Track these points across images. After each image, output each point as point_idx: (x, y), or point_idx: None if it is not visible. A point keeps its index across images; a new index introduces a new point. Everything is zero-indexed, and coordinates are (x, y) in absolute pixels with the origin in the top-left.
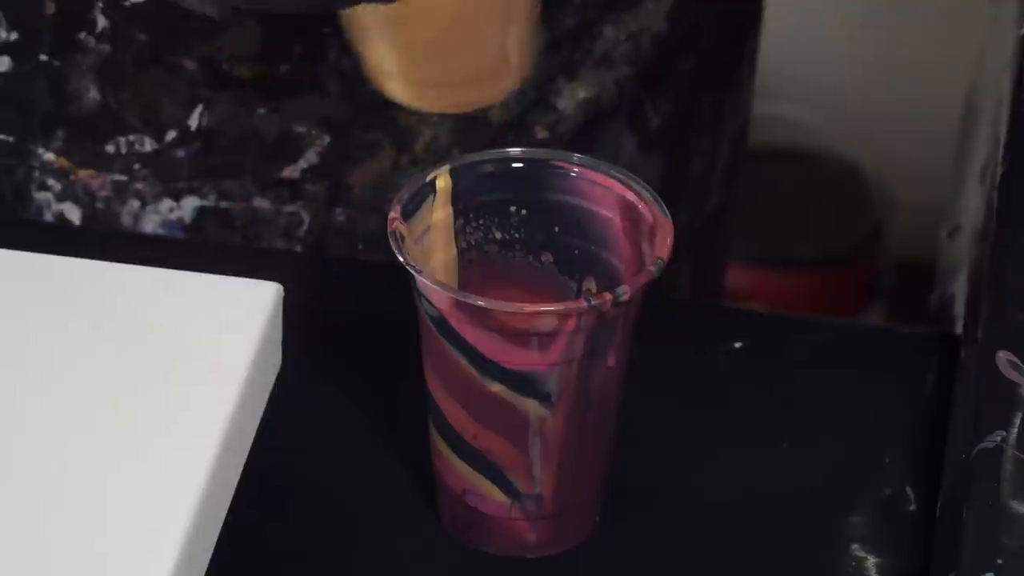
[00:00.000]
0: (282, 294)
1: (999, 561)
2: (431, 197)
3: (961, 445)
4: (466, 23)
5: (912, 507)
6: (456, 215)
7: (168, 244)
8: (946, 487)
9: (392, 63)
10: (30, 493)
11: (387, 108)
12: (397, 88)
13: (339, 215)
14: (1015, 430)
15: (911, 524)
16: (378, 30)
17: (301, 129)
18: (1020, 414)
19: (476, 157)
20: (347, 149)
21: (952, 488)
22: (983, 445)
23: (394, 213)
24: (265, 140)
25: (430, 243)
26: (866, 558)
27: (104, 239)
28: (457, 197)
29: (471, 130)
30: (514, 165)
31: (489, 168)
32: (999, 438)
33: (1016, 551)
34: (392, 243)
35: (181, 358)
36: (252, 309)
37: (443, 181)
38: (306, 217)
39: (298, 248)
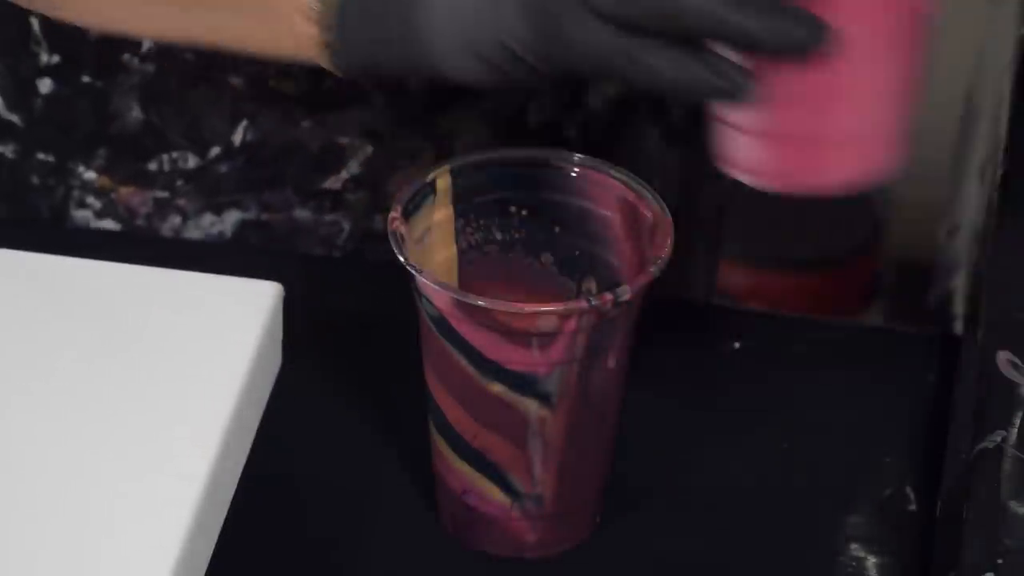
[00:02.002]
0: (282, 294)
1: (999, 561)
2: (431, 197)
3: (961, 445)
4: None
5: (912, 507)
6: (457, 215)
7: (169, 244)
8: (946, 487)
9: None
10: (31, 493)
11: (428, 114)
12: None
13: (378, 222)
14: (1015, 430)
15: (911, 524)
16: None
17: (344, 140)
18: (1020, 414)
19: (476, 157)
20: (389, 158)
21: (952, 488)
22: (983, 445)
23: (395, 213)
24: (308, 152)
25: (431, 243)
26: (866, 558)
27: (105, 239)
28: (458, 197)
29: (508, 135)
30: (514, 165)
31: (490, 167)
32: (999, 438)
33: (1016, 551)
34: (392, 243)
35: (181, 358)
36: (252, 309)
37: (443, 181)
38: (346, 225)
39: (336, 255)
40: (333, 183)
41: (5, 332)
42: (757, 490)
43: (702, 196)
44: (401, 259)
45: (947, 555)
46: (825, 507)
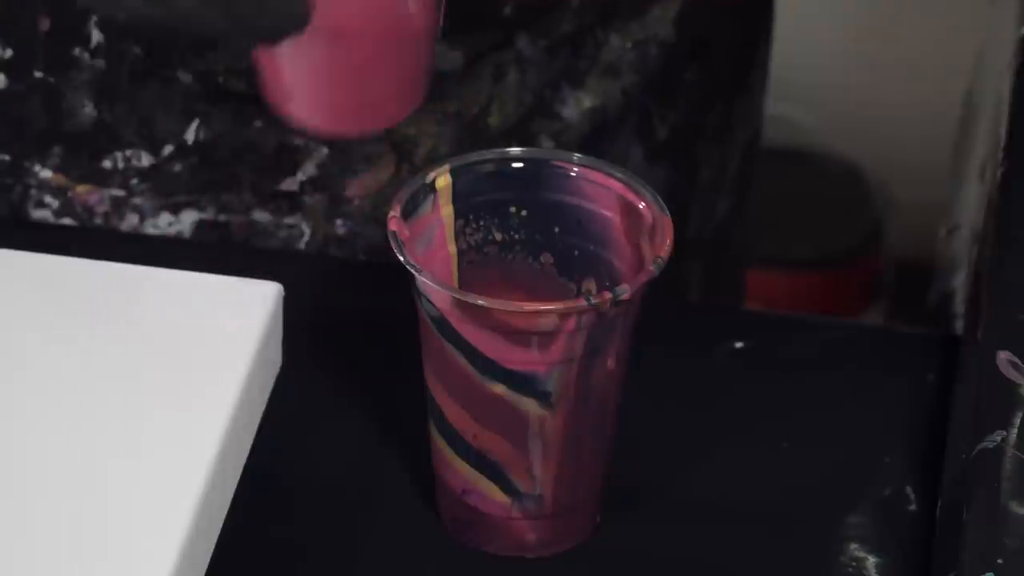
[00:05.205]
0: (282, 294)
1: (999, 561)
2: (431, 197)
3: (961, 445)
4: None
5: (912, 507)
6: (456, 215)
7: (168, 244)
8: (946, 487)
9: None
10: (30, 493)
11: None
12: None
13: (339, 227)
14: (1015, 430)
15: (911, 524)
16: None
17: (299, 142)
18: (1020, 414)
19: (476, 157)
20: (346, 160)
21: (952, 488)
22: (983, 445)
23: (394, 213)
24: (263, 153)
25: (430, 243)
26: (866, 558)
27: (104, 239)
28: (457, 197)
29: (471, 138)
30: (514, 165)
31: (489, 168)
32: (999, 438)
33: (1016, 551)
34: (392, 243)
35: (181, 358)
36: (252, 309)
37: (443, 181)
38: (306, 229)
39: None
40: (290, 185)
41: (4, 332)
42: (757, 490)
43: (690, 215)
44: (401, 259)
45: (947, 555)
46: (825, 507)
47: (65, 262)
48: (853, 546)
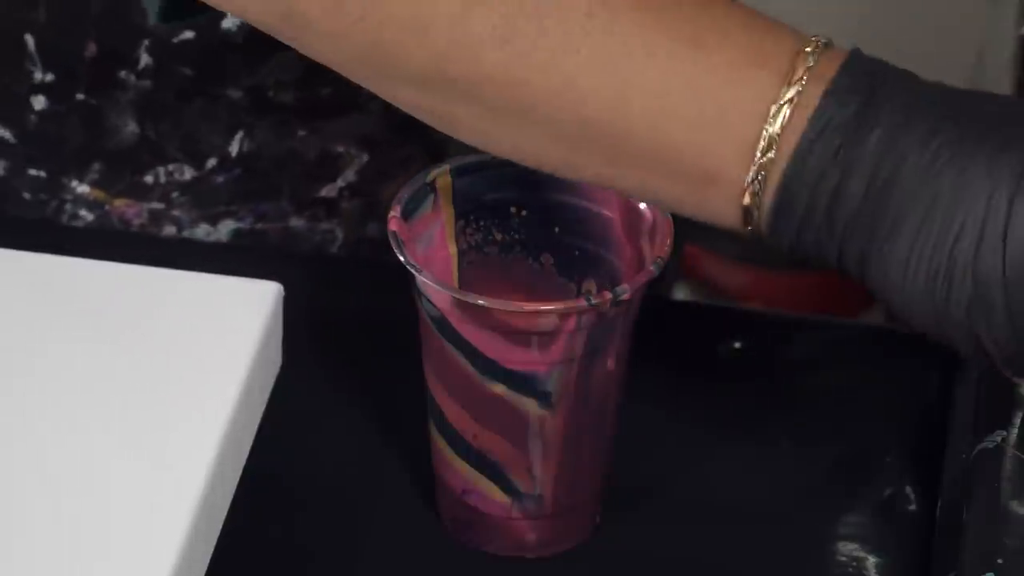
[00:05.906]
0: (282, 294)
1: (999, 561)
2: (431, 197)
3: (961, 445)
4: None
5: (912, 507)
6: (456, 215)
7: (169, 244)
8: (946, 487)
9: None
10: (30, 493)
11: (421, 122)
12: None
13: (372, 230)
14: (1015, 430)
15: (911, 524)
16: None
17: (340, 149)
18: (1020, 414)
19: (476, 157)
20: (384, 166)
21: (952, 488)
22: (983, 445)
23: (394, 213)
24: (304, 161)
25: (430, 243)
26: (866, 558)
27: (105, 239)
28: (457, 197)
29: None
30: (514, 165)
31: (489, 168)
32: (999, 438)
33: (1016, 551)
34: (392, 243)
35: (181, 358)
36: (252, 309)
37: (443, 181)
38: (340, 233)
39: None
40: (329, 191)
41: (4, 332)
42: (757, 490)
43: None
44: (401, 259)
45: (947, 555)
46: (825, 507)
47: (65, 262)
48: (853, 546)
